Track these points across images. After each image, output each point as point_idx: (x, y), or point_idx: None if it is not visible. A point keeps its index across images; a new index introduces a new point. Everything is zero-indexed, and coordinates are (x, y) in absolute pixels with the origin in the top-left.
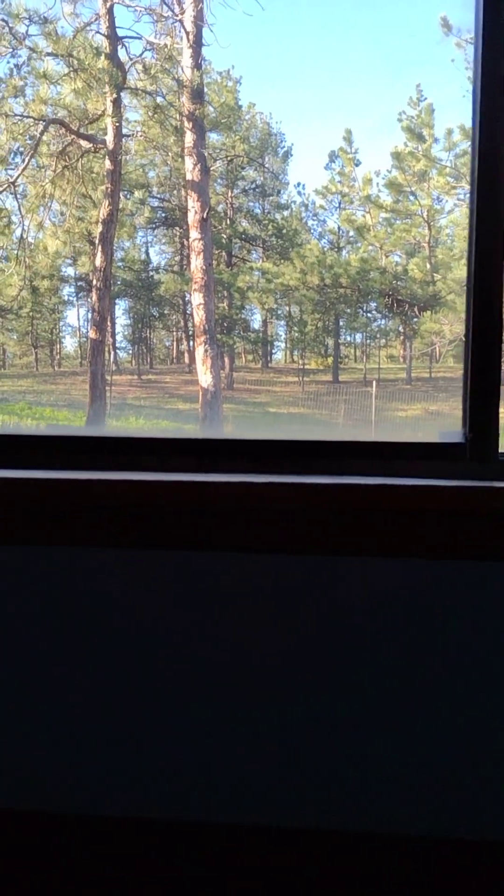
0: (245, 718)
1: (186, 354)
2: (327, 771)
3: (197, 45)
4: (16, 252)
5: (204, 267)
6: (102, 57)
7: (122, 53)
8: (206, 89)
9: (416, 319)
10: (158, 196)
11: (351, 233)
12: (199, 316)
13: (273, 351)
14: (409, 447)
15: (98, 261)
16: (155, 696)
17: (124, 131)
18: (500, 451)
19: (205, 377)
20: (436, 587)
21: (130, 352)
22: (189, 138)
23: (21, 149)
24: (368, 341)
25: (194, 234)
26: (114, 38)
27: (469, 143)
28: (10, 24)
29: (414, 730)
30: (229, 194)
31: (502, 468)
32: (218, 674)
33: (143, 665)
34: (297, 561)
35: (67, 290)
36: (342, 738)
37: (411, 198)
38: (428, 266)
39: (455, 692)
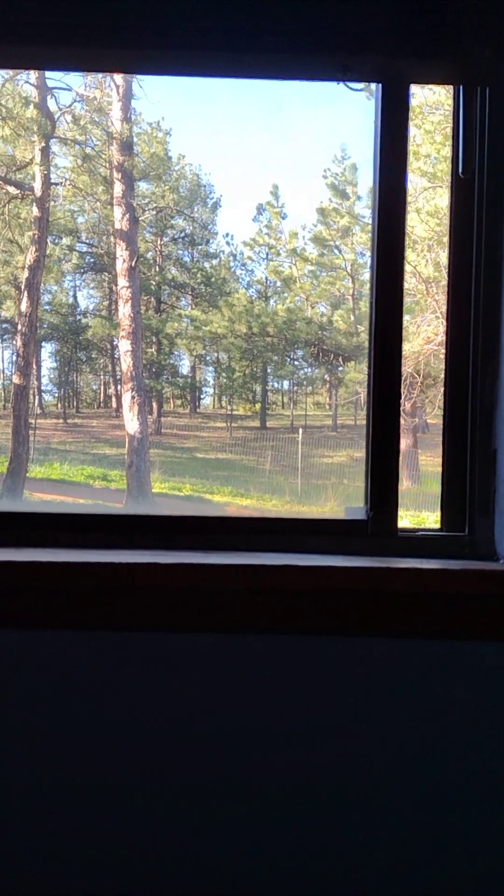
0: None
1: (114, 398)
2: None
3: (126, 98)
4: None
5: (132, 314)
6: (31, 106)
7: (51, 103)
8: (135, 139)
9: (341, 368)
10: (87, 242)
11: (278, 283)
12: (126, 362)
13: (201, 396)
14: (313, 523)
15: (24, 306)
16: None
17: (53, 178)
18: (398, 527)
19: (132, 423)
20: (348, 665)
21: (57, 395)
22: (118, 188)
23: None
24: (295, 388)
25: (122, 281)
26: (43, 89)
27: None
28: None
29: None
30: (159, 242)
31: (401, 544)
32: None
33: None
34: (206, 639)
35: None
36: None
37: (336, 252)
38: (352, 318)
39: (359, 777)
